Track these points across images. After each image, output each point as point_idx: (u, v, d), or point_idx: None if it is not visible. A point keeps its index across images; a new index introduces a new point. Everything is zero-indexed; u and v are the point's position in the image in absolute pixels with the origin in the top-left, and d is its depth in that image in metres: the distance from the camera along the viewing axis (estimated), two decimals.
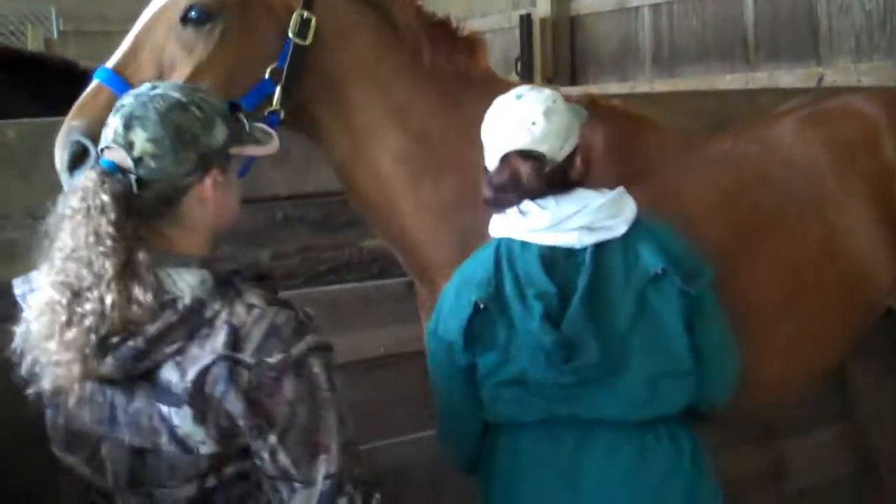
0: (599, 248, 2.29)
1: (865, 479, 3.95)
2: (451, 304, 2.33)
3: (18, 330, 1.97)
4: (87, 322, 1.86)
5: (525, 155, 2.30)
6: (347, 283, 3.31)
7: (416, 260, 2.76)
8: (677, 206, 2.70)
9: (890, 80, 5.08)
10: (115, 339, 1.87)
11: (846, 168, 3.02)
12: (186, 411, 1.87)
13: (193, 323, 1.88)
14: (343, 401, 1.96)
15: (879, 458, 3.78)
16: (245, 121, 2.07)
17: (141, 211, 1.92)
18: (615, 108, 2.92)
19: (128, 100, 1.98)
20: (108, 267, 1.86)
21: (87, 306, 1.86)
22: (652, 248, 2.29)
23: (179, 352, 1.88)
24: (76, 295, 1.88)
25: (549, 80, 7.08)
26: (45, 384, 1.90)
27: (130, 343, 1.87)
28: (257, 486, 1.96)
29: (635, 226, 2.32)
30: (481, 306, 2.26)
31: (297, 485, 1.90)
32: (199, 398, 1.86)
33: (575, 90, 6.13)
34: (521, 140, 2.30)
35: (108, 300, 1.85)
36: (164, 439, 1.90)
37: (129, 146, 1.92)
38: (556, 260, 2.29)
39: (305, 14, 2.53)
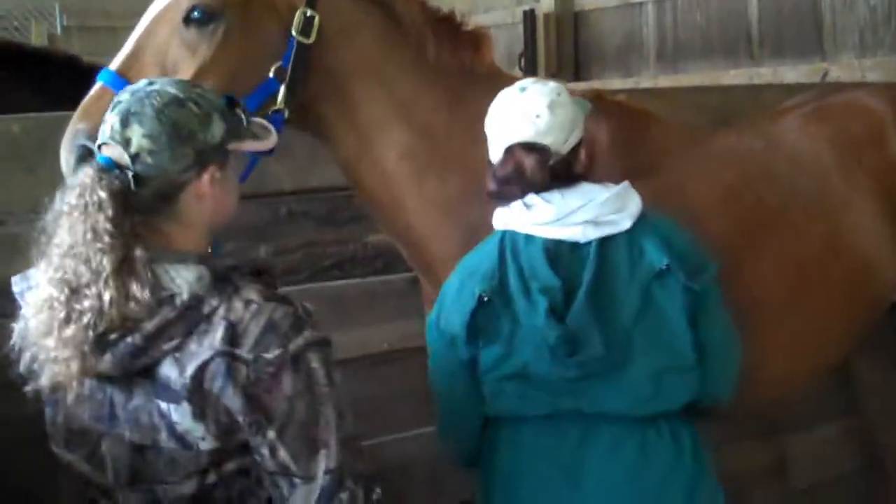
0: (604, 242, 2.28)
1: (870, 475, 3.95)
2: (453, 296, 2.32)
3: (17, 327, 1.97)
4: (86, 319, 1.85)
5: (529, 147, 2.29)
6: (352, 279, 3.31)
7: (421, 255, 2.76)
8: (682, 201, 2.69)
9: (894, 75, 5.07)
10: (113, 336, 1.87)
11: (851, 164, 3.02)
12: (185, 407, 1.87)
13: (191, 319, 1.88)
14: (342, 395, 1.95)
15: (885, 453, 3.78)
16: (243, 116, 2.06)
17: (138, 207, 1.92)
18: (620, 103, 2.92)
19: (125, 96, 1.97)
20: (106, 263, 1.85)
21: (86, 303, 1.86)
22: (656, 243, 2.28)
23: (178, 348, 1.88)
24: (74, 292, 1.87)
25: (553, 76, 7.07)
26: (44, 381, 1.90)
27: (128, 340, 1.87)
28: (258, 482, 1.96)
29: (640, 220, 2.32)
30: (485, 299, 2.25)
31: (296, 480, 1.90)
32: (197, 394, 1.86)
33: (579, 86, 6.11)
34: (526, 132, 2.30)
35: (106, 297, 1.85)
36: (163, 436, 1.90)
37: (126, 143, 1.92)
38: (560, 254, 2.28)
39: (309, 12, 2.52)
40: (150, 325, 1.86)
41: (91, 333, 1.85)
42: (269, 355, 1.87)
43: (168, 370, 1.88)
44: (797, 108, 3.23)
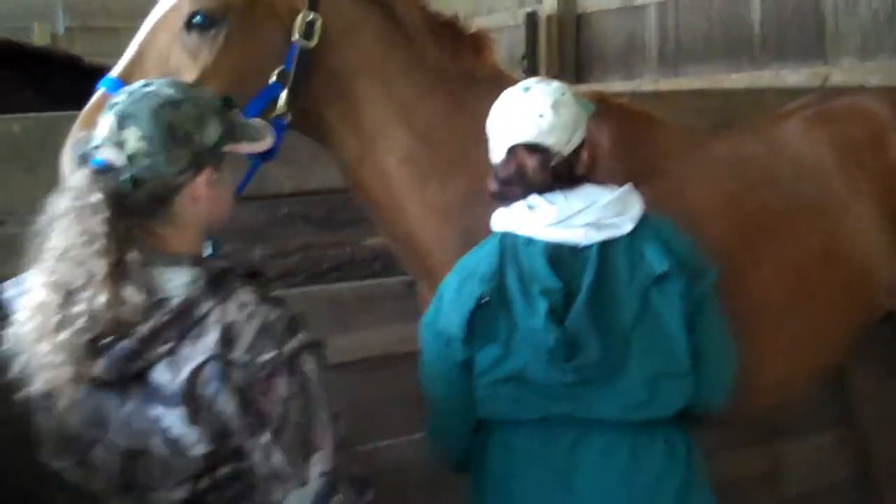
0: (605, 245, 2.27)
1: (864, 484, 3.94)
2: (452, 296, 2.31)
3: (10, 332, 1.94)
4: (80, 323, 1.84)
5: (531, 148, 2.29)
6: (349, 282, 3.31)
7: (421, 260, 2.74)
8: (683, 204, 2.69)
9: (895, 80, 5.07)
10: (106, 340, 1.86)
11: (852, 168, 3.02)
12: (179, 412, 1.86)
13: (185, 322, 1.87)
14: (337, 397, 1.94)
15: (878, 462, 3.77)
16: (239, 117, 2.05)
17: (133, 210, 1.91)
18: (621, 106, 2.91)
19: (120, 97, 1.96)
20: (101, 267, 1.84)
21: (80, 307, 1.85)
22: (657, 247, 2.27)
23: (171, 352, 1.86)
24: (68, 295, 1.86)
25: (555, 78, 7.05)
26: (38, 387, 1.89)
27: (122, 344, 1.86)
28: (251, 487, 1.94)
29: (641, 224, 2.30)
30: (484, 300, 2.24)
31: (291, 484, 1.89)
32: (191, 398, 1.85)
33: (580, 88, 6.11)
34: (528, 132, 2.29)
35: (101, 301, 1.83)
36: (156, 441, 1.88)
37: (121, 144, 1.90)
38: (561, 256, 2.27)
39: (311, 15, 2.52)
40: (144, 329, 1.85)
41: (85, 338, 1.84)
42: (263, 358, 1.86)
43: (162, 374, 1.87)
44: (799, 111, 3.23)
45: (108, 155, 1.92)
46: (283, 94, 2.49)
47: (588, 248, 2.27)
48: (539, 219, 2.27)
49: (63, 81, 4.28)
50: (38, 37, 8.19)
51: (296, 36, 2.50)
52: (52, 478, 2.04)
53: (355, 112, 2.64)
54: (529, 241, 2.28)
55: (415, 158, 2.66)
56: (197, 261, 1.95)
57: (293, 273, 3.17)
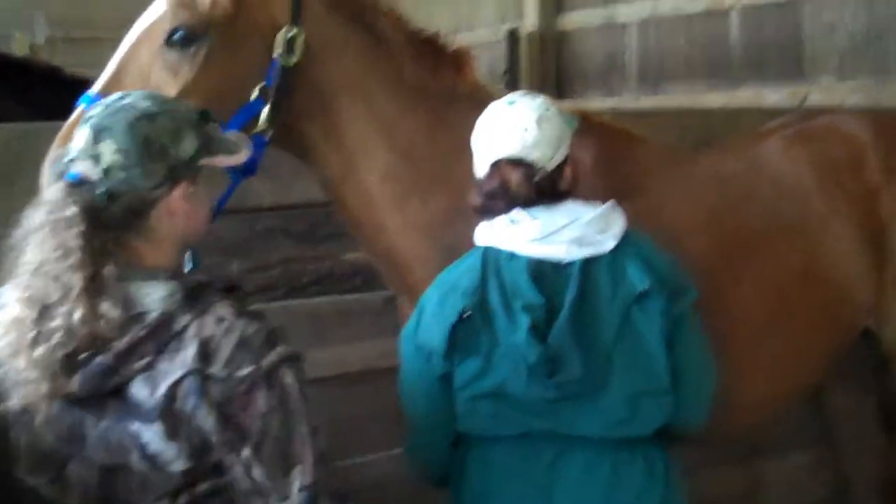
0: (587, 262, 2.27)
1: (843, 503, 3.96)
2: (434, 310, 2.29)
3: None
4: (56, 339, 1.82)
5: (515, 162, 2.29)
6: (329, 296, 3.30)
7: (402, 277, 2.74)
8: (663, 222, 2.69)
9: (873, 100, 5.12)
10: (83, 356, 1.83)
11: (832, 188, 3.04)
12: (157, 427, 1.84)
13: (162, 337, 1.85)
14: (315, 411, 1.93)
15: (856, 481, 3.79)
16: (215, 130, 2.04)
17: (109, 224, 1.89)
18: (603, 123, 2.92)
19: (96, 110, 1.94)
20: (76, 281, 1.82)
21: (55, 322, 1.83)
22: (638, 265, 2.28)
23: (149, 367, 1.84)
24: (44, 311, 1.84)
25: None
26: (14, 403, 1.86)
27: (99, 359, 1.83)
28: (230, 502, 1.92)
29: (623, 241, 2.31)
30: (466, 315, 2.24)
31: (272, 499, 1.87)
32: (169, 414, 1.83)
33: (561, 105, 6.14)
34: (513, 147, 2.29)
35: (76, 315, 1.81)
36: (134, 457, 1.86)
37: (96, 158, 1.88)
38: (543, 272, 2.27)
39: (293, 31, 2.50)
40: (120, 344, 1.84)
41: (61, 353, 1.82)
42: (242, 372, 1.85)
43: (139, 389, 1.85)
44: (780, 130, 3.25)
45: (83, 168, 1.90)
46: (265, 111, 2.48)
47: (570, 264, 2.27)
48: (522, 234, 2.27)
49: (44, 92, 4.27)
50: (19, 46, 8.17)
51: (277, 52, 2.49)
52: (29, 493, 2.02)
53: (337, 129, 2.63)
54: (512, 256, 2.28)
55: (396, 175, 2.66)
56: (173, 275, 1.94)
57: (273, 287, 3.16)
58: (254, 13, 2.50)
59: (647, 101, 6.64)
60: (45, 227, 1.86)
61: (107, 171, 1.88)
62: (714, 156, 3.13)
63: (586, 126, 2.69)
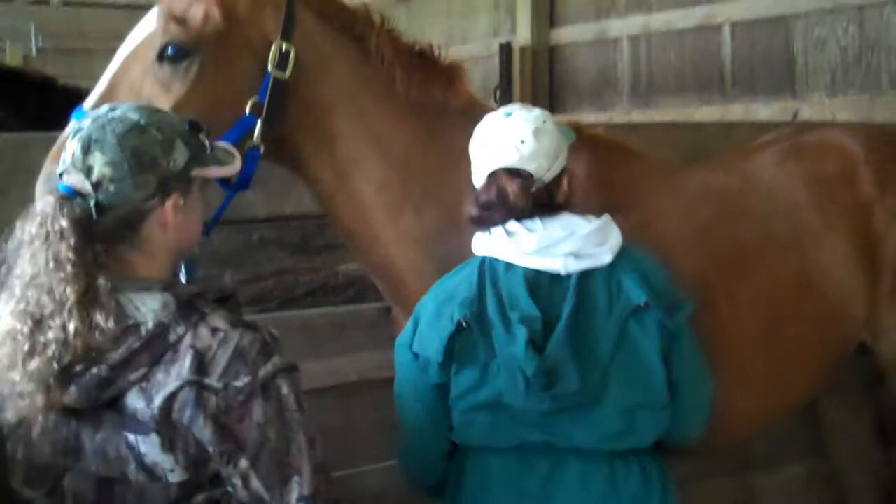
0: (584, 276, 2.27)
1: None
2: (430, 319, 2.29)
3: None
4: (50, 351, 1.82)
5: (513, 173, 2.29)
6: (323, 308, 3.29)
7: (397, 288, 2.74)
8: (658, 235, 2.70)
9: (864, 115, 5.15)
10: (78, 368, 1.83)
11: (825, 202, 3.04)
12: (154, 439, 1.83)
13: (157, 348, 1.85)
14: (311, 421, 1.92)
15: (851, 492, 3.79)
16: (206, 141, 2.03)
17: (101, 236, 1.88)
18: (597, 136, 2.93)
19: (86, 122, 1.94)
20: (70, 293, 1.82)
21: (50, 335, 1.82)
22: (635, 279, 2.28)
23: (144, 378, 1.84)
24: (38, 323, 1.84)
25: None
26: (9, 416, 1.86)
27: (94, 371, 1.83)
28: None
29: (619, 255, 2.31)
30: (464, 325, 2.24)
31: None
32: (166, 425, 1.83)
33: (556, 119, 6.15)
34: (510, 158, 2.29)
35: (71, 328, 1.81)
36: (131, 468, 1.85)
37: (87, 170, 1.88)
38: (540, 284, 2.27)
39: (284, 46, 2.51)
40: (115, 356, 1.83)
41: (56, 366, 1.81)
42: (238, 383, 1.85)
43: (135, 401, 1.85)
44: (773, 144, 3.26)
45: (74, 181, 1.90)
46: (258, 126, 2.48)
47: (568, 276, 2.27)
48: (520, 246, 2.27)
49: (37, 102, 4.27)
50: (11, 57, 8.16)
51: (270, 67, 2.50)
52: None
53: (330, 143, 2.63)
54: (509, 268, 2.28)
55: (390, 187, 2.66)
56: (167, 286, 1.93)
57: (266, 298, 3.16)
58: (245, 28, 2.50)
59: (640, 116, 6.66)
60: (38, 240, 1.86)
61: (98, 184, 1.88)
62: (707, 170, 3.13)
63: (580, 139, 2.70)
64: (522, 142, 2.29)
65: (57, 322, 1.82)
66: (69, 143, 1.93)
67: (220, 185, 2.48)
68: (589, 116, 6.92)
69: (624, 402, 2.26)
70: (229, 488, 1.89)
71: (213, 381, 1.84)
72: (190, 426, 1.83)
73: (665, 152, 3.53)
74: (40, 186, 2.28)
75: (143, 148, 1.90)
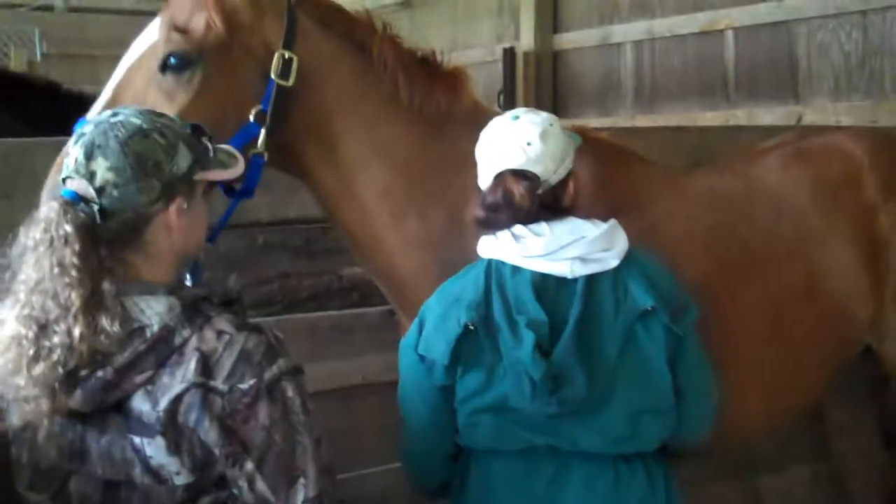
0: (591, 280, 2.27)
1: None
2: (437, 322, 2.29)
3: None
4: (55, 356, 1.82)
5: (519, 175, 2.29)
6: (327, 311, 3.30)
7: (401, 293, 2.74)
8: (663, 239, 2.70)
9: (868, 119, 5.15)
10: (83, 372, 1.83)
11: (830, 206, 3.05)
12: (159, 441, 1.84)
13: (162, 351, 1.85)
14: (317, 423, 1.93)
15: (854, 495, 3.78)
16: (209, 144, 2.04)
17: (105, 240, 1.89)
18: (602, 140, 2.93)
19: (88, 128, 1.94)
20: (75, 298, 1.82)
21: (55, 339, 1.82)
22: (642, 283, 2.28)
23: (150, 381, 1.85)
24: (43, 328, 1.84)
25: None
26: (14, 420, 1.86)
27: (99, 374, 1.83)
28: None
29: (626, 259, 2.31)
30: (471, 328, 2.23)
31: None
32: (172, 428, 1.83)
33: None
34: (516, 160, 2.29)
35: (76, 332, 1.81)
36: (137, 471, 1.86)
37: (90, 176, 1.89)
38: (547, 288, 2.27)
39: (287, 54, 2.51)
40: (120, 359, 1.83)
41: (61, 370, 1.82)
42: (244, 385, 1.85)
43: (140, 404, 1.85)
44: (778, 149, 3.25)
45: (78, 186, 1.91)
46: (262, 133, 2.48)
47: (574, 280, 2.27)
48: (526, 250, 2.27)
49: (41, 107, 4.28)
50: (16, 62, 8.17)
51: (273, 75, 2.50)
52: None
53: (334, 149, 2.63)
54: (516, 271, 2.28)
55: (393, 193, 2.66)
56: (172, 289, 1.93)
57: (271, 302, 3.16)
58: (247, 38, 2.51)
59: (643, 120, 6.66)
60: (42, 246, 1.86)
61: (101, 189, 1.89)
62: (712, 174, 3.13)
63: (585, 143, 2.70)
64: (529, 144, 2.29)
65: (62, 327, 1.83)
66: (72, 148, 1.94)
67: (225, 193, 2.48)
68: (592, 121, 6.92)
69: (630, 406, 2.26)
70: (235, 490, 1.89)
71: (218, 383, 1.85)
72: (196, 428, 1.84)
73: (669, 156, 3.53)
74: (45, 196, 2.29)
75: (146, 152, 1.90)
